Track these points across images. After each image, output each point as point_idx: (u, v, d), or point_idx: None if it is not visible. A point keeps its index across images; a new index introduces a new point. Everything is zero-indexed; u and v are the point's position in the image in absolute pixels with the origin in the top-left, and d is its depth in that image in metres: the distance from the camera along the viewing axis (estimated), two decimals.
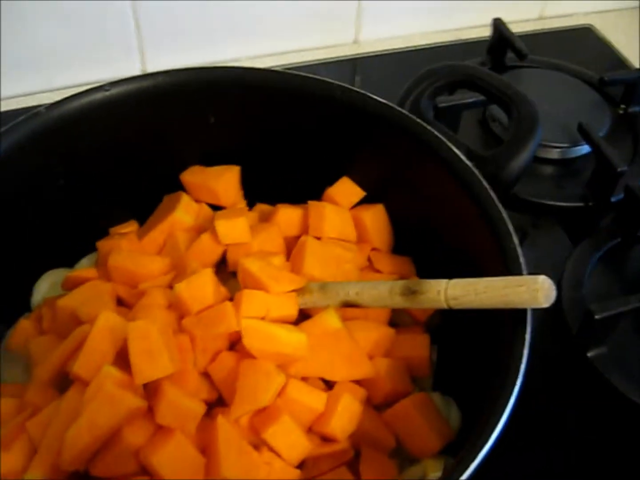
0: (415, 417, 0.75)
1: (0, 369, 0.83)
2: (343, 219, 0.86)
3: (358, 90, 0.83)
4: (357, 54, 1.31)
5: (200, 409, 0.69)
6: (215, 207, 0.90)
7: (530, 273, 0.67)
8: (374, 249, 0.88)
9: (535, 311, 0.90)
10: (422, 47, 1.33)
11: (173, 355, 0.69)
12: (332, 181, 0.89)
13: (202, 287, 0.74)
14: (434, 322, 0.85)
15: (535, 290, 0.64)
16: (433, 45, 1.34)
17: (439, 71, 0.89)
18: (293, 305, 0.76)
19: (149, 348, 0.68)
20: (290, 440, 0.70)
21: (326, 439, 0.74)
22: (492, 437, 0.59)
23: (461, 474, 0.56)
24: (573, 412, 0.88)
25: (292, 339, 0.73)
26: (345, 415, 0.73)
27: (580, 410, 0.88)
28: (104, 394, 0.66)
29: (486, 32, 1.25)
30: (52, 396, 0.74)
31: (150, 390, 0.69)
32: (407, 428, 0.75)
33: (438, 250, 0.84)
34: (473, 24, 1.37)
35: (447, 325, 0.85)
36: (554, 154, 1.13)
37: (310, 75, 0.85)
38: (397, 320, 0.84)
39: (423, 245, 0.86)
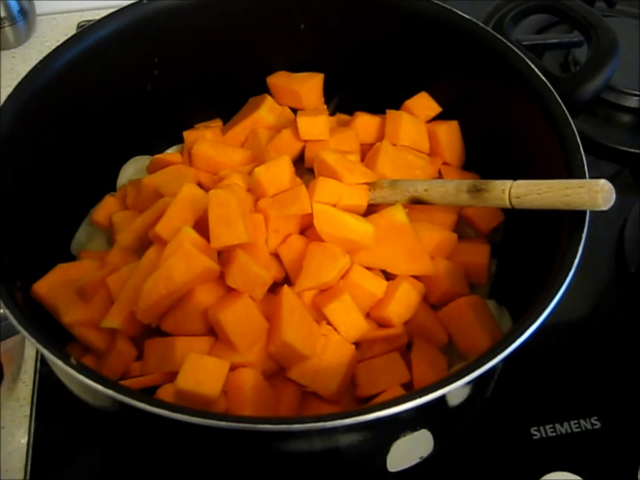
0: (469, 315, 0.78)
1: (85, 240, 0.88)
2: (418, 130, 0.89)
3: (444, 5, 0.86)
4: None
5: (268, 278, 0.74)
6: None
7: None
8: (444, 163, 0.91)
9: (598, 249, 0.95)
10: None
11: (248, 227, 0.73)
12: (410, 95, 0.93)
13: (279, 171, 0.79)
14: (495, 238, 0.88)
15: (596, 192, 0.66)
16: None
17: None
18: (363, 197, 0.80)
19: (226, 215, 0.72)
20: (348, 318, 0.74)
21: (382, 325, 0.78)
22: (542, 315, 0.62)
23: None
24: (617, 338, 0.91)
25: (359, 227, 0.76)
26: (402, 302, 0.77)
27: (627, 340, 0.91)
28: (182, 251, 0.70)
29: None
30: (132, 260, 0.79)
31: (224, 259, 0.74)
32: (460, 326, 0.79)
33: (506, 168, 0.86)
34: None
35: (509, 242, 0.87)
36: (634, 102, 1.13)
37: None
38: (461, 233, 0.88)
39: (492, 163, 0.89)
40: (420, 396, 0.58)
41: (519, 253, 0.83)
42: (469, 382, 0.60)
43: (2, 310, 0.63)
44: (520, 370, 0.84)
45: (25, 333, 0.61)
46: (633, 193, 1.05)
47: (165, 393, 0.68)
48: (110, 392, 0.58)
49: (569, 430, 0.84)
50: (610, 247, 1.01)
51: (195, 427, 0.56)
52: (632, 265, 0.96)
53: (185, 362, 0.67)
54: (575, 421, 0.85)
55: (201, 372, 0.67)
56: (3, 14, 1.17)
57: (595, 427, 0.84)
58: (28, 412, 0.85)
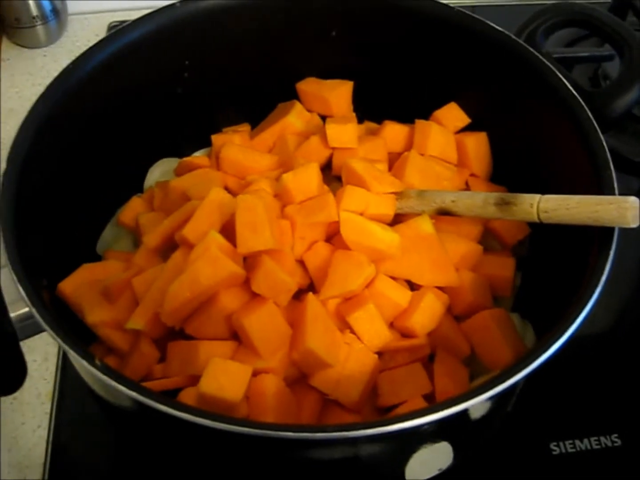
0: (493, 328, 0.78)
1: (111, 241, 0.89)
2: (447, 140, 0.89)
3: (476, 16, 0.86)
4: (476, 2, 1.33)
5: (294, 284, 0.74)
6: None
7: None
8: (472, 175, 0.91)
9: (624, 263, 0.94)
10: (544, 3, 1.33)
11: (274, 233, 0.74)
12: (439, 105, 0.92)
13: (307, 178, 0.79)
14: (521, 251, 0.88)
15: (625, 209, 0.66)
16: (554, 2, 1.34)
17: (556, 7, 0.90)
18: (391, 206, 0.80)
19: (253, 221, 0.72)
20: (372, 327, 0.74)
21: (405, 335, 0.78)
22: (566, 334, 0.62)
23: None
24: None
25: (386, 237, 0.77)
26: (426, 313, 0.76)
27: None
28: (208, 255, 0.71)
29: None
30: (158, 262, 0.80)
31: (249, 265, 0.74)
32: (484, 338, 0.78)
33: (534, 182, 0.86)
34: None
35: (534, 256, 0.87)
36: None
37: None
38: (487, 245, 0.87)
39: (520, 176, 0.88)
40: (442, 409, 0.58)
41: (545, 267, 0.83)
42: (491, 398, 0.60)
43: (27, 309, 0.63)
44: (541, 384, 0.83)
45: (50, 331, 0.62)
46: None
47: (188, 396, 0.69)
48: (133, 394, 0.58)
49: (589, 447, 0.84)
50: (635, 261, 1.00)
51: (216, 431, 0.56)
52: None
53: (209, 366, 0.67)
54: (596, 438, 0.84)
55: (224, 377, 0.67)
56: (35, 13, 1.18)
57: (616, 444, 0.84)
58: (49, 409, 0.85)
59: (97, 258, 0.87)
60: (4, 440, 0.83)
